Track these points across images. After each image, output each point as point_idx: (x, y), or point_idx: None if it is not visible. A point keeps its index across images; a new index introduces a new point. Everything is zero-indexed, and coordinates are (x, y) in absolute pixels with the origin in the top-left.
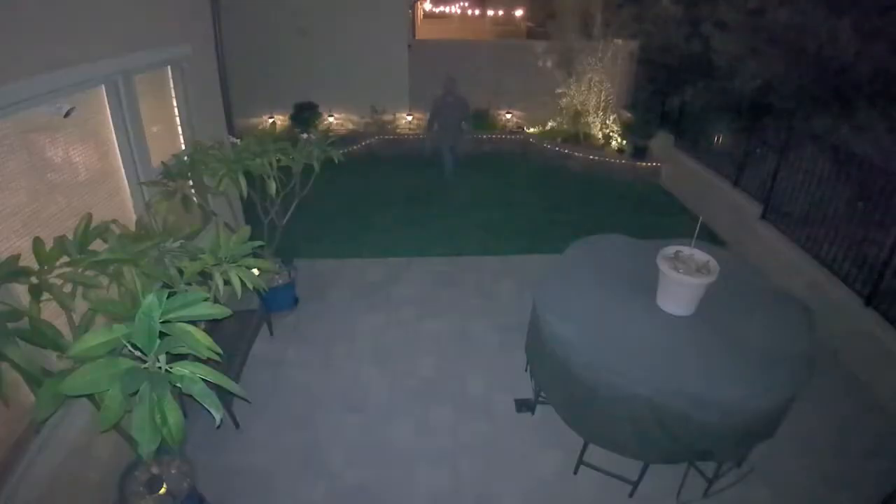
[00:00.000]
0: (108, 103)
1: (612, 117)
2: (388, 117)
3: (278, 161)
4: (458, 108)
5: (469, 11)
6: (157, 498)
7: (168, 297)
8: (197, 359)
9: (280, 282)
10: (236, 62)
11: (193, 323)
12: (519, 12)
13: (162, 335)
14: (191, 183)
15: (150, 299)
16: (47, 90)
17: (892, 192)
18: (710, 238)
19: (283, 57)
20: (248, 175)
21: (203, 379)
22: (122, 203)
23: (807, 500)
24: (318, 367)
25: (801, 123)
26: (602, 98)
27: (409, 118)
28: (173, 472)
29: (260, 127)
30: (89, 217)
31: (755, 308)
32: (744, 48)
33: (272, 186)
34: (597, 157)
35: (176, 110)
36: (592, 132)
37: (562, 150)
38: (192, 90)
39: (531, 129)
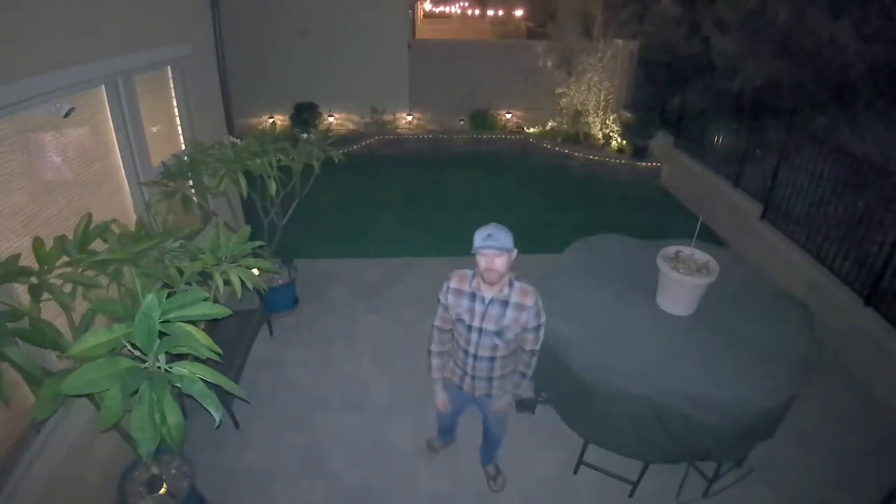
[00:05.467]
0: (108, 103)
1: (612, 117)
2: (388, 117)
3: (278, 161)
4: (508, 313)
5: (469, 11)
6: (157, 498)
7: (168, 297)
8: (197, 359)
9: (280, 282)
10: (236, 62)
11: (193, 323)
12: (519, 12)
13: (162, 335)
14: (191, 183)
15: (149, 299)
16: (47, 90)
17: (891, 192)
18: (710, 238)
19: (283, 57)
20: (248, 175)
21: (203, 379)
22: (122, 203)
23: (807, 500)
24: (318, 367)
25: (801, 123)
26: (602, 98)
27: (409, 118)
28: (173, 472)
29: (260, 127)
30: (89, 217)
31: (755, 308)
32: (744, 48)
33: (272, 186)
34: (597, 157)
35: (176, 110)
36: (592, 132)
37: (562, 150)
38: (192, 90)
39: (531, 129)
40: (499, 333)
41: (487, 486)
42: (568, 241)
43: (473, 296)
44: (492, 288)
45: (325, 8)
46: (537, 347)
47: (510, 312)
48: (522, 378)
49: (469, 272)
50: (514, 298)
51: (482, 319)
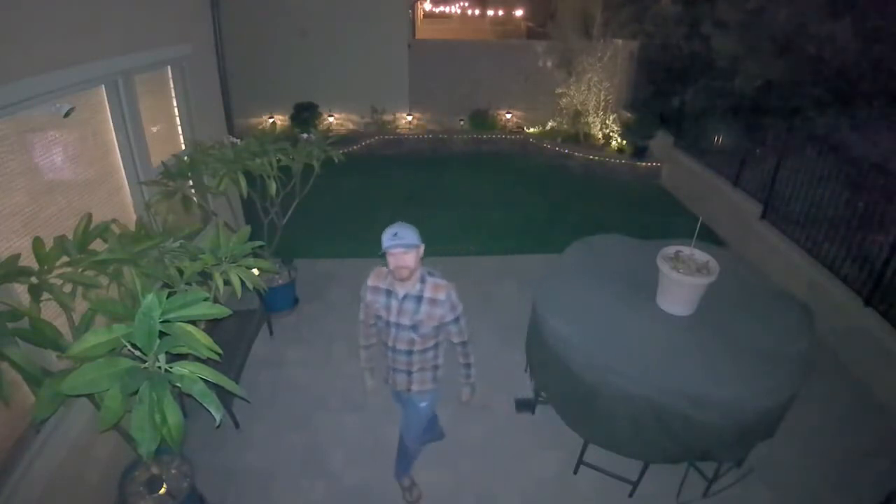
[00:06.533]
0: (108, 103)
1: (612, 117)
2: (388, 117)
3: (278, 161)
4: (418, 305)
5: (469, 11)
6: (157, 498)
7: (168, 297)
8: (197, 359)
9: (280, 282)
10: (236, 62)
11: (193, 323)
12: (519, 12)
13: (162, 335)
14: (191, 183)
15: (149, 299)
16: (47, 90)
17: (891, 192)
18: (710, 238)
19: (283, 57)
20: (248, 175)
21: (203, 379)
22: (122, 203)
23: (807, 501)
24: (318, 367)
25: (801, 123)
26: (602, 98)
27: (409, 118)
28: (173, 472)
29: (260, 127)
30: (89, 217)
31: (755, 308)
32: (744, 48)
33: (272, 186)
34: (597, 157)
35: (176, 110)
36: (592, 132)
37: (562, 150)
38: (192, 90)
39: (531, 129)
40: (414, 328)
41: (403, 499)
42: (568, 241)
43: (389, 292)
44: (405, 284)
45: (326, 8)
46: (466, 339)
47: (424, 307)
48: (467, 368)
49: (386, 270)
50: (427, 294)
51: (398, 315)
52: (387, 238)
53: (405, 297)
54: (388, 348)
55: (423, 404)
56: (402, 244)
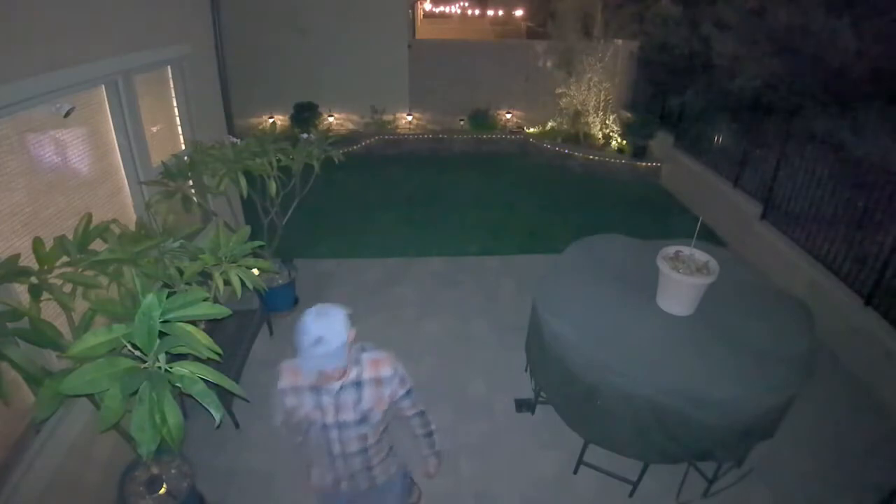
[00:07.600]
0: (108, 103)
1: (612, 117)
2: (388, 117)
3: (278, 161)
4: (360, 392)
5: (469, 11)
6: (157, 498)
7: (168, 297)
8: (197, 359)
9: (280, 282)
10: (236, 62)
11: (193, 323)
12: (519, 12)
13: (162, 335)
14: (191, 183)
15: (149, 299)
16: (47, 90)
17: (891, 192)
18: (710, 238)
19: (283, 57)
20: (248, 175)
21: (203, 379)
22: (122, 203)
23: (807, 500)
24: None
25: (801, 123)
26: (602, 98)
27: (409, 118)
28: (173, 472)
29: (260, 127)
30: (89, 217)
31: (755, 308)
32: (744, 48)
33: (272, 186)
34: (597, 157)
35: (176, 110)
36: (592, 132)
37: (562, 150)
38: (192, 90)
39: (531, 129)
40: (363, 420)
41: None
42: (568, 241)
43: (317, 390)
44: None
45: (326, 8)
46: (422, 408)
47: (368, 393)
48: (429, 437)
49: (301, 362)
50: (367, 374)
51: (337, 412)
52: (306, 344)
53: (341, 388)
54: (334, 457)
55: (396, 489)
56: (327, 355)
